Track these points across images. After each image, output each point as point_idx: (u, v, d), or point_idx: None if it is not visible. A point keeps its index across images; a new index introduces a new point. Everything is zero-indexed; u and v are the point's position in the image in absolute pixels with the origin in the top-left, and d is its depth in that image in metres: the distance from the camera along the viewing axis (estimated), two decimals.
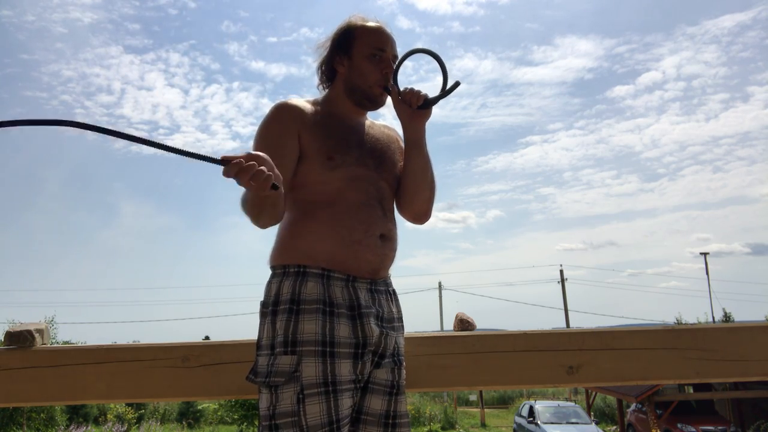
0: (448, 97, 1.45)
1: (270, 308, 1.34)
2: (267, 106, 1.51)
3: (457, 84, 1.42)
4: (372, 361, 1.35)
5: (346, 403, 1.26)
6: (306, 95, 1.56)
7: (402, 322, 1.49)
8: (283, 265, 1.38)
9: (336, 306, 1.32)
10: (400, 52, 1.52)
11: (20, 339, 1.56)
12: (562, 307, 29.28)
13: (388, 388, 1.38)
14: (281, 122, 1.42)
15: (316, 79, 1.58)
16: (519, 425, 16.97)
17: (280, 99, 1.50)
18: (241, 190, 1.27)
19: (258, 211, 1.30)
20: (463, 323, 1.65)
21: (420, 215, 1.55)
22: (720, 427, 14.49)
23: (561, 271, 29.30)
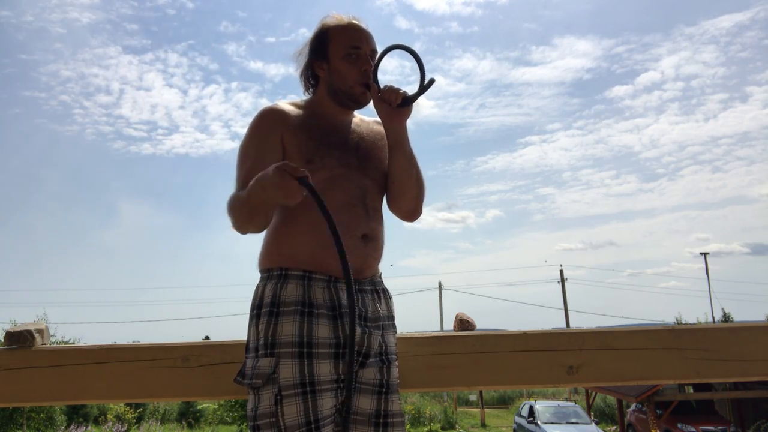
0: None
1: (255, 311, 1.37)
2: (265, 106, 1.52)
3: (432, 81, 1.42)
4: (356, 360, 1.36)
5: (326, 403, 1.27)
6: (283, 101, 1.55)
7: (393, 321, 1.50)
8: (268, 269, 1.41)
9: (315, 307, 1.34)
10: (396, 49, 1.51)
11: (20, 339, 1.56)
12: (562, 307, 29.29)
13: (377, 388, 1.38)
14: (265, 127, 1.44)
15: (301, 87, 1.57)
16: (519, 425, 16.96)
17: (268, 105, 1.50)
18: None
19: (251, 216, 1.33)
20: (463, 323, 1.65)
21: (409, 212, 1.56)
22: (720, 427, 14.48)
23: (561, 271, 29.31)
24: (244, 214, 1.34)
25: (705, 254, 26.41)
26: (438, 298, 30.53)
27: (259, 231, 1.41)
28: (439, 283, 30.66)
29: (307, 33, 1.56)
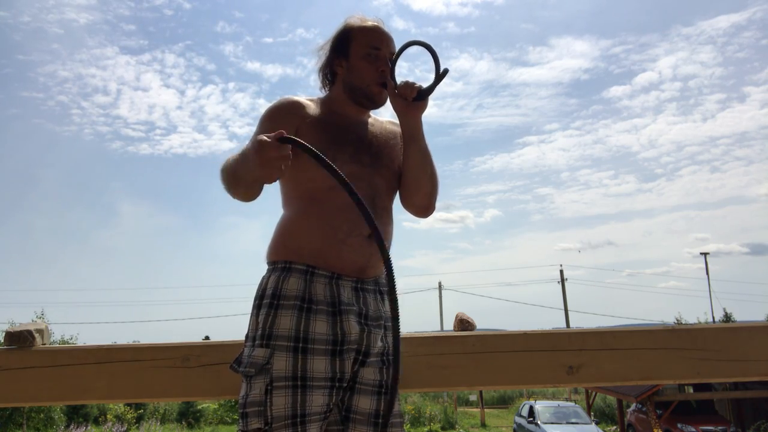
0: (441, 87, 1.47)
1: (257, 302, 1.39)
2: (263, 106, 1.53)
3: (445, 71, 1.44)
4: (356, 359, 1.37)
5: (317, 400, 1.28)
6: (301, 95, 1.57)
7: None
8: (273, 261, 1.43)
9: (315, 303, 1.35)
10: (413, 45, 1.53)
11: (20, 339, 1.56)
12: (562, 307, 29.31)
13: (377, 388, 1.39)
14: (281, 114, 1.46)
15: (318, 81, 1.60)
16: (519, 425, 16.96)
17: (286, 96, 1.52)
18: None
19: (237, 184, 1.34)
20: (463, 323, 1.65)
21: (422, 209, 1.57)
22: (720, 427, 14.48)
23: (561, 271, 29.33)
24: (231, 180, 1.35)
25: (705, 254, 26.43)
26: (438, 298, 30.56)
27: (245, 200, 1.40)
28: (439, 283, 30.67)
29: (304, 33, 1.59)
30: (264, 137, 1.18)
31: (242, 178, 1.30)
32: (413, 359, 1.54)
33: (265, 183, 1.25)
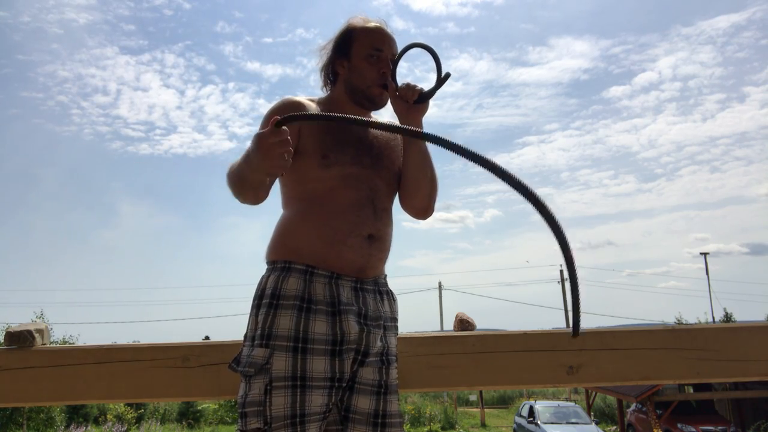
0: (442, 88, 1.47)
1: (256, 301, 1.39)
2: (263, 106, 1.52)
3: (447, 75, 1.44)
4: (355, 359, 1.37)
5: (316, 399, 1.28)
6: (301, 95, 1.57)
7: (395, 322, 1.50)
8: (273, 261, 1.43)
9: (314, 303, 1.35)
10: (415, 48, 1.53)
11: (20, 339, 1.56)
12: (562, 307, 29.31)
13: (376, 388, 1.39)
14: (285, 113, 1.45)
15: (319, 81, 1.60)
16: (519, 425, 16.96)
17: (287, 96, 1.52)
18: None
19: (244, 186, 1.34)
20: (463, 323, 1.65)
21: (421, 210, 1.57)
22: (720, 427, 14.49)
23: (561, 272, 29.32)
24: (237, 183, 1.35)
25: (705, 254, 26.42)
26: (438, 298, 30.54)
27: (254, 203, 1.40)
28: (439, 283, 30.65)
29: (303, 33, 1.60)
30: (260, 131, 1.20)
31: (248, 179, 1.30)
32: (413, 359, 1.54)
33: (273, 174, 1.25)
